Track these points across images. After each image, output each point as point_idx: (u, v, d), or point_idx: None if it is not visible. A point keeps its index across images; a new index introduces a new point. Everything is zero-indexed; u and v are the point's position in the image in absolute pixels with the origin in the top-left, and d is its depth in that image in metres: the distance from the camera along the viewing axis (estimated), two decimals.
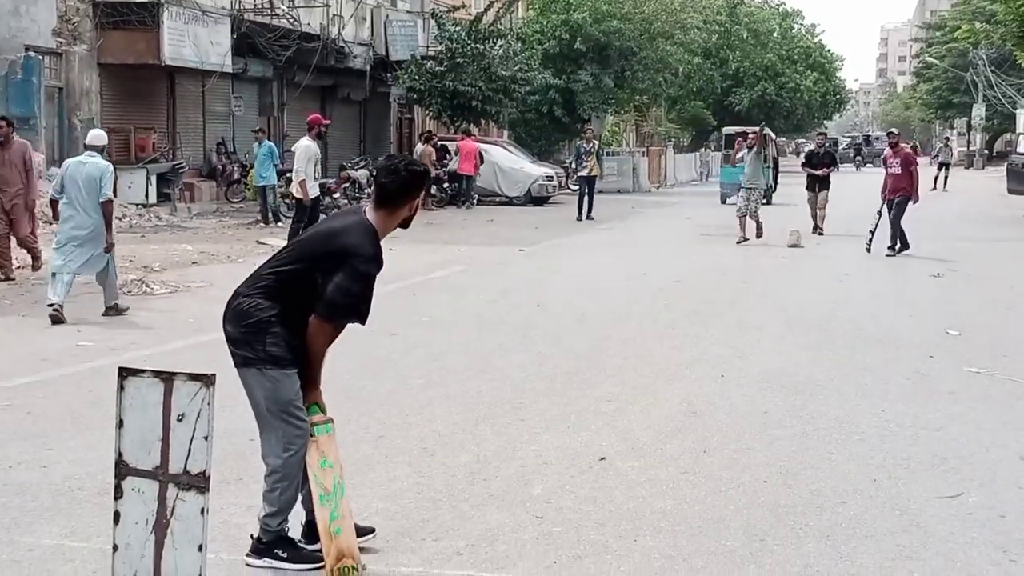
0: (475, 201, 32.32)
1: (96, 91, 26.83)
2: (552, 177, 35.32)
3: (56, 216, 12.26)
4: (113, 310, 12.05)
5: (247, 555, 5.02)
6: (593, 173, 27.71)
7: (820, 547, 5.35)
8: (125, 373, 4.14)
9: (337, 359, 9.45)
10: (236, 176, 30.24)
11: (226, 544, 5.21)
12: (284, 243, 17.97)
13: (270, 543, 4.98)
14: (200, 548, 4.08)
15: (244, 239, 21.47)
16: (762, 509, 5.87)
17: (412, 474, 6.41)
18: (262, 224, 24.48)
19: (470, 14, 40.41)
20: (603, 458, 6.75)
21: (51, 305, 11.50)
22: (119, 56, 26.73)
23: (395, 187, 4.96)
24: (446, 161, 32.40)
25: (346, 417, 7.67)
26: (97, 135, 12.37)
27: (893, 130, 21.79)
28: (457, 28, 36.35)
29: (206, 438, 4.04)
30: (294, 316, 4.87)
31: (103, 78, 27.02)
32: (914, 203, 19.51)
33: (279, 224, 24.14)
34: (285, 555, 4.99)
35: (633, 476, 6.41)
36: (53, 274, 11.78)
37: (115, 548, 4.16)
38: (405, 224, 5.09)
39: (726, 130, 45.21)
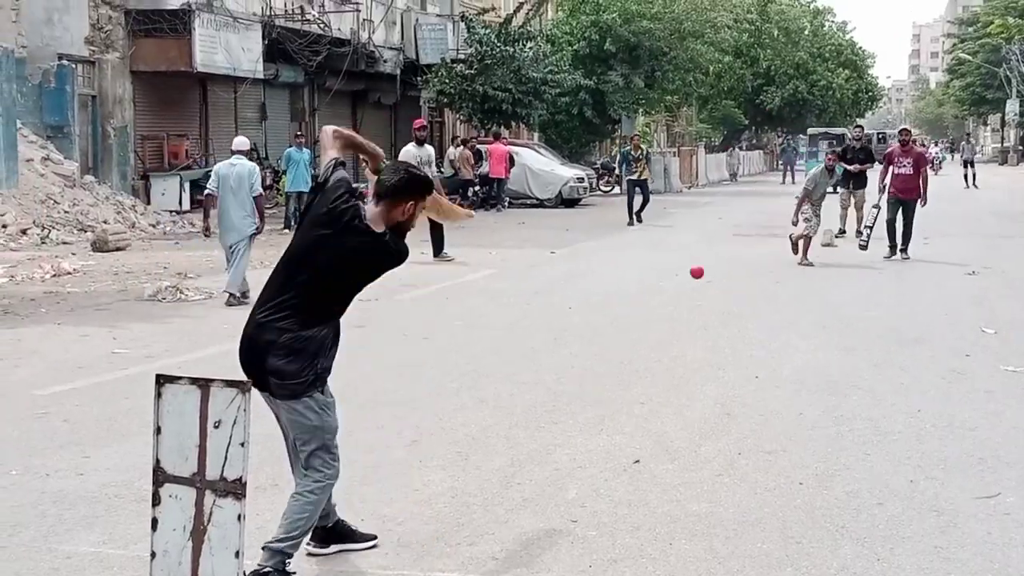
0: (507, 204, 32.32)
1: (129, 98, 27.02)
2: (583, 179, 35.30)
3: (208, 210, 14.95)
4: (234, 298, 13.29)
5: None
6: (644, 176, 27.42)
7: (857, 549, 5.32)
8: (162, 380, 4.16)
9: (370, 363, 9.52)
10: (268, 182, 30.36)
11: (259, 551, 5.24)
12: None
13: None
14: (237, 554, 4.10)
15: (277, 244, 21.53)
16: (798, 511, 5.84)
17: (446, 478, 6.42)
18: (285, 230, 24.54)
19: (500, 16, 40.43)
20: (637, 461, 6.74)
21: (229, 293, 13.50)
22: (151, 63, 26.91)
23: (392, 184, 4.97)
24: (479, 165, 32.41)
25: (379, 422, 7.70)
26: (242, 141, 14.79)
27: (906, 127, 20.63)
28: (487, 31, 36.39)
29: (242, 444, 4.06)
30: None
31: (136, 85, 27.21)
32: (922, 206, 18.64)
33: None
34: None
35: (667, 479, 6.40)
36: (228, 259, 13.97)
37: (153, 555, 4.18)
38: (400, 231, 4.99)
39: (811, 131, 45.33)
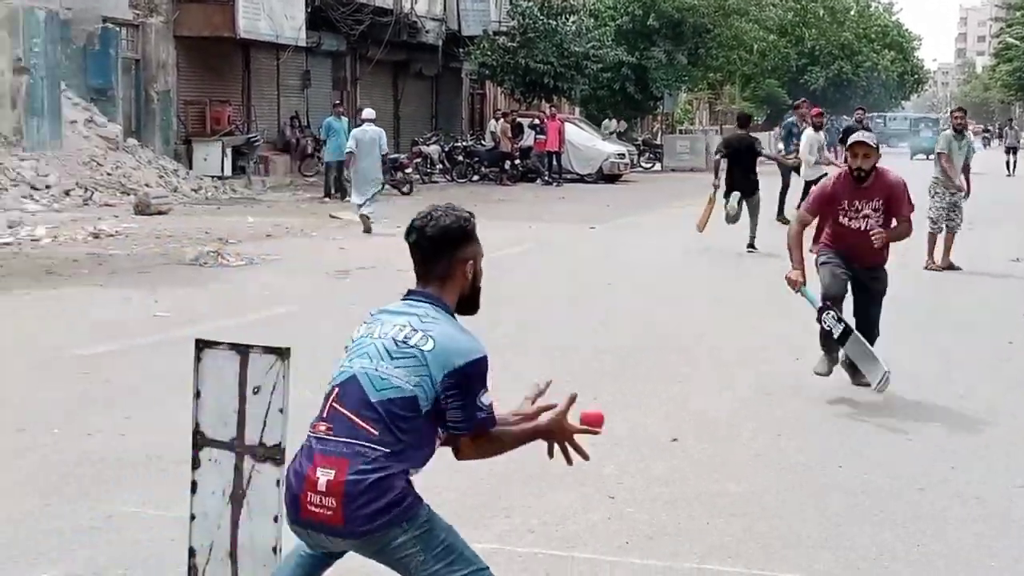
0: (560, 179, 32.12)
1: (172, 63, 27.12)
2: (624, 155, 35.18)
3: (348, 165, 19.26)
4: (367, 220, 17.81)
5: None
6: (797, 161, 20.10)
7: (896, 533, 5.28)
8: (202, 345, 4.15)
9: None
10: (309, 150, 30.43)
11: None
12: (355, 218, 18.34)
13: None
14: (275, 519, 4.10)
15: (318, 213, 21.62)
16: (837, 494, 5.80)
17: None
18: (326, 199, 24.60)
19: None
20: (675, 439, 6.71)
21: (361, 209, 18.20)
22: (195, 29, 26.99)
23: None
24: (520, 138, 32.37)
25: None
26: (369, 112, 19.76)
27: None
28: (530, 4, 36.27)
29: (281, 411, 4.04)
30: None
31: (179, 50, 27.31)
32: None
33: (347, 200, 24.22)
34: None
35: (705, 458, 6.37)
36: (360, 204, 18.27)
37: (192, 517, 4.20)
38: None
39: (909, 115, 44.11)
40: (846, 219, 7.95)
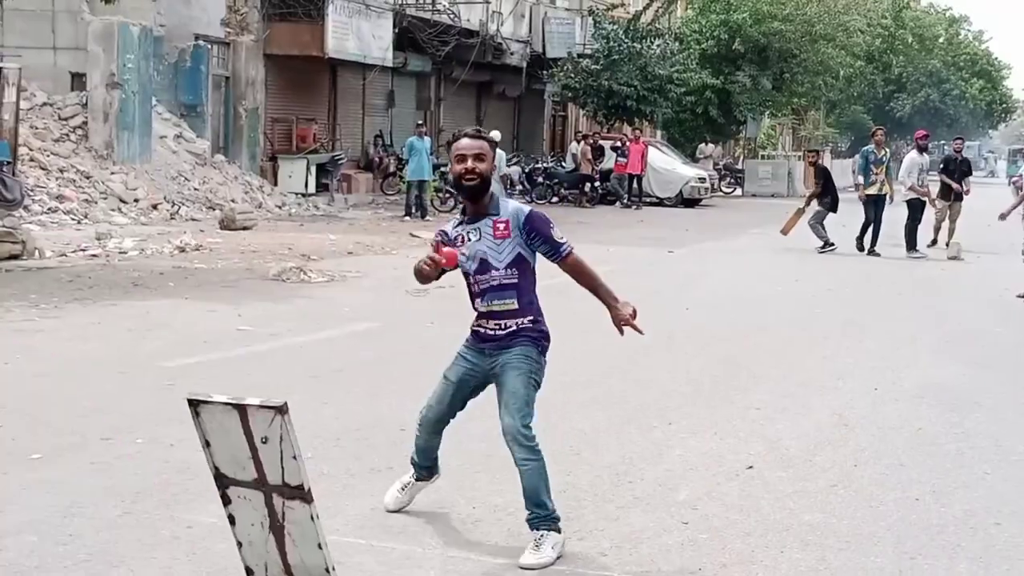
0: (640, 201, 32.13)
1: (261, 81, 27.56)
2: (704, 179, 35.07)
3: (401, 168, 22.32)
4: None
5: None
6: (884, 191, 20.16)
7: (972, 568, 5.22)
8: (196, 402, 4.04)
9: None
10: (392, 169, 30.73)
11: (378, 531, 5.34)
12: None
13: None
14: (319, 546, 4.02)
15: (398, 231, 21.83)
16: (913, 527, 5.75)
17: (558, 472, 6.41)
18: (406, 217, 24.83)
19: (628, 13, 40.35)
20: (751, 466, 6.69)
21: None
22: (284, 47, 27.44)
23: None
24: (601, 160, 32.41)
25: (490, 413, 7.75)
26: (496, 134, 21.31)
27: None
28: (614, 27, 36.35)
29: (295, 458, 3.92)
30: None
31: (268, 68, 27.76)
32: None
33: (427, 219, 24.46)
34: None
35: (781, 486, 6.35)
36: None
37: (239, 544, 4.16)
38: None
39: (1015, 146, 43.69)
40: None
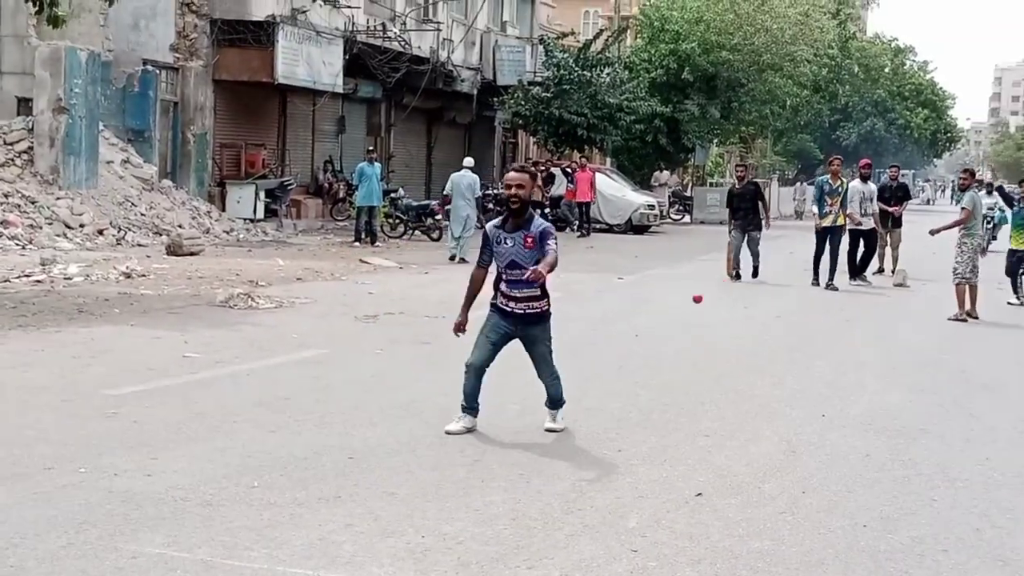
0: (588, 229, 32.16)
1: (210, 106, 27.43)
2: (654, 206, 35.25)
3: (446, 204, 23.09)
4: (458, 260, 20.76)
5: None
6: (839, 222, 19.48)
7: None
8: None
9: (433, 380, 9.56)
10: (342, 194, 30.65)
11: (324, 560, 5.28)
12: (385, 263, 18.51)
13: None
14: None
15: (348, 257, 21.74)
16: (861, 554, 5.77)
17: (507, 500, 6.42)
18: (356, 243, 24.75)
19: (579, 41, 40.52)
20: (699, 494, 6.69)
21: (453, 257, 21.34)
22: (234, 73, 27.33)
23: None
24: (550, 188, 32.48)
25: (441, 439, 7.73)
26: (469, 160, 24.04)
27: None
28: (565, 55, 36.52)
29: None
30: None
31: (217, 94, 27.64)
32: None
33: (376, 245, 24.42)
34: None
35: (730, 513, 6.35)
36: (457, 238, 21.66)
37: None
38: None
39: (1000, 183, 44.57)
40: None
